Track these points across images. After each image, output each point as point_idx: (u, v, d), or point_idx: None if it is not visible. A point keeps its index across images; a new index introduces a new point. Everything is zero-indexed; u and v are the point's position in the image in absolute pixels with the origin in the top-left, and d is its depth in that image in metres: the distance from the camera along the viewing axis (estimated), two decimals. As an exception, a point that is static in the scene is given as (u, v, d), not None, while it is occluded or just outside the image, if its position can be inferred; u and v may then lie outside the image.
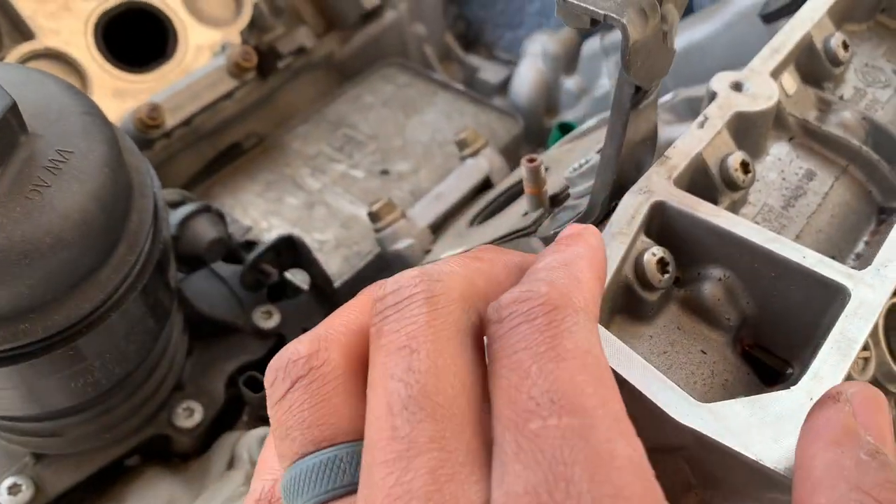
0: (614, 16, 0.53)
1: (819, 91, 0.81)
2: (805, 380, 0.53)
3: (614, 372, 0.46)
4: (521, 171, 0.76)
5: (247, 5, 1.29)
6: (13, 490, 0.83)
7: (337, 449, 0.36)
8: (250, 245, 0.99)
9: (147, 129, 1.12)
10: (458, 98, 1.36)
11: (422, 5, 1.48)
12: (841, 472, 0.36)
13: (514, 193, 0.98)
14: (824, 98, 0.81)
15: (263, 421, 0.94)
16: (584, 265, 0.43)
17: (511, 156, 1.31)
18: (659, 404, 0.50)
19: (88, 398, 0.76)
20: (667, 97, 1.13)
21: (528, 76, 1.37)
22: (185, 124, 1.20)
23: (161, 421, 0.89)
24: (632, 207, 0.63)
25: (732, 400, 0.51)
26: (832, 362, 0.54)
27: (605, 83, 1.28)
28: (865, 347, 0.66)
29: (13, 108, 0.58)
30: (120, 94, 1.17)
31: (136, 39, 1.21)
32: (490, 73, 1.48)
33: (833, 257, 0.72)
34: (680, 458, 0.51)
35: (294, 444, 0.36)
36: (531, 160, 0.75)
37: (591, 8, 0.52)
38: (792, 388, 0.52)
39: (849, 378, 0.63)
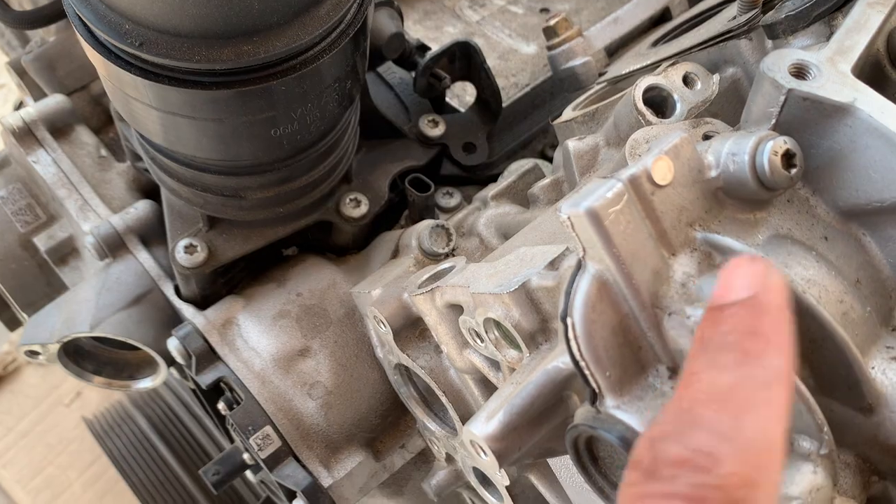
0: None
1: None
2: None
3: None
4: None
5: None
6: (189, 250, 0.85)
7: None
8: (423, 49, 0.98)
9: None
10: (625, -53, 1.30)
11: None
12: None
13: (699, 22, 0.93)
14: None
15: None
16: (773, 410, 0.33)
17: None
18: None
19: (276, 157, 0.77)
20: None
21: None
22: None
23: (329, 208, 0.90)
24: (889, -18, 0.59)
25: None
26: None
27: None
28: None
29: None
30: None
31: None
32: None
33: None
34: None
35: None
36: (752, -46, 0.71)
37: None
38: None
39: None
